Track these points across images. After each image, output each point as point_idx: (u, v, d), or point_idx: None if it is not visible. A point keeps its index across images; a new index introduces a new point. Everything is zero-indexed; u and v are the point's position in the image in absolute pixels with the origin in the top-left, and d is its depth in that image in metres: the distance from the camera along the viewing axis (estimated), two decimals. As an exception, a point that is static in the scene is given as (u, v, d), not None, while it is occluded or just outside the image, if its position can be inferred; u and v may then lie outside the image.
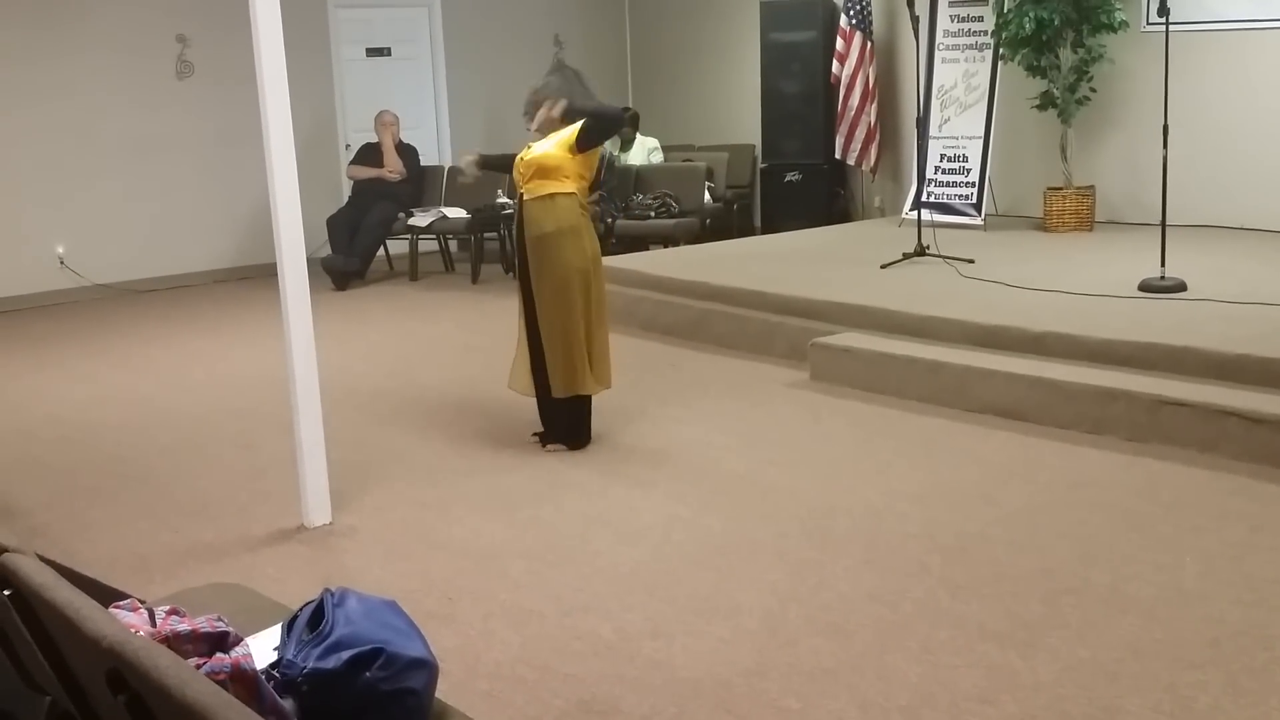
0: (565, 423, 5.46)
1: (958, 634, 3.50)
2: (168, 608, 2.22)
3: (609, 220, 9.76)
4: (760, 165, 11.33)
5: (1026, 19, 8.52)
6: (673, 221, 9.83)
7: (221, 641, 2.08)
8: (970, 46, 9.47)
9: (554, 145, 5.30)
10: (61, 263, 9.96)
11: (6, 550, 2.05)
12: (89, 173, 10.02)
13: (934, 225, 8.08)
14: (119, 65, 10.10)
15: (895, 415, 5.80)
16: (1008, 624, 3.55)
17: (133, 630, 1.86)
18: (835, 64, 10.45)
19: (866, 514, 4.52)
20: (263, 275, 9.55)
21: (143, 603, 2.27)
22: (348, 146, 11.25)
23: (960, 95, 9.50)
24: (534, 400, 5.49)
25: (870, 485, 4.84)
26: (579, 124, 5.28)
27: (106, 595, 2.34)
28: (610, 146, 10.36)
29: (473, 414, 6.09)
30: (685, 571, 4.06)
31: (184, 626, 2.09)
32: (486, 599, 3.91)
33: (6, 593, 2.03)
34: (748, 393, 6.32)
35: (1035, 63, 8.81)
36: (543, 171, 5.27)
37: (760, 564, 4.10)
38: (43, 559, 2.10)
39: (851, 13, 10.28)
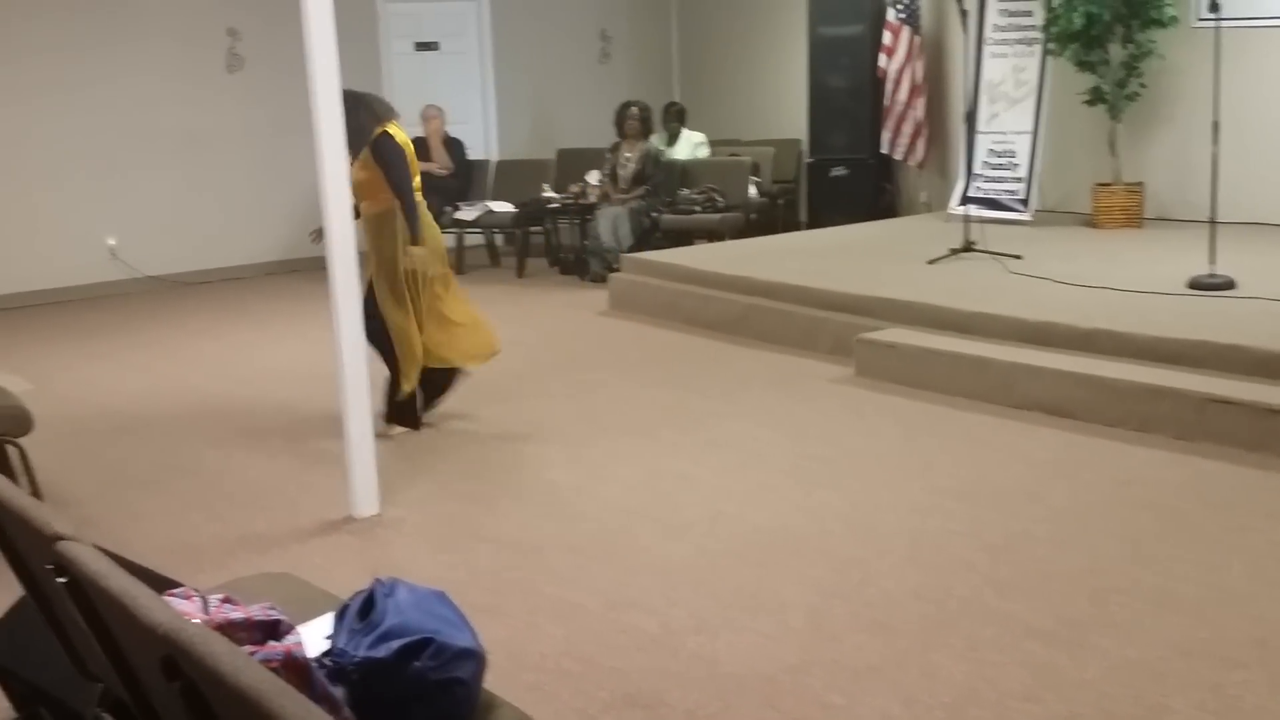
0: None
1: (1003, 632, 3.49)
2: (220, 596, 2.25)
3: (654, 214, 9.77)
4: (806, 160, 11.30)
5: (1076, 14, 8.46)
6: (718, 216, 9.83)
7: (274, 629, 2.11)
8: (1019, 41, 9.40)
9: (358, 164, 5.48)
10: (113, 255, 10.09)
11: (64, 538, 2.08)
12: (140, 165, 10.13)
13: (982, 221, 8.04)
14: (170, 58, 10.21)
15: (941, 412, 5.78)
16: (1053, 622, 3.54)
17: (187, 618, 1.89)
18: (883, 58, 10.42)
19: (911, 511, 4.51)
20: (312, 268, 9.61)
21: (196, 591, 2.30)
22: (395, 141, 11.29)
23: (1009, 90, 9.43)
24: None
25: (915, 482, 4.83)
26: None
27: (159, 583, 2.37)
28: (657, 141, 10.38)
29: (516, 407, 6.12)
30: (729, 566, 4.07)
31: (237, 614, 2.12)
32: (532, 592, 3.93)
33: (62, 580, 2.06)
34: (792, 388, 6.31)
35: (1085, 58, 8.75)
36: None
37: (804, 560, 4.10)
38: (97, 548, 2.13)
39: (899, 7, 10.25)
